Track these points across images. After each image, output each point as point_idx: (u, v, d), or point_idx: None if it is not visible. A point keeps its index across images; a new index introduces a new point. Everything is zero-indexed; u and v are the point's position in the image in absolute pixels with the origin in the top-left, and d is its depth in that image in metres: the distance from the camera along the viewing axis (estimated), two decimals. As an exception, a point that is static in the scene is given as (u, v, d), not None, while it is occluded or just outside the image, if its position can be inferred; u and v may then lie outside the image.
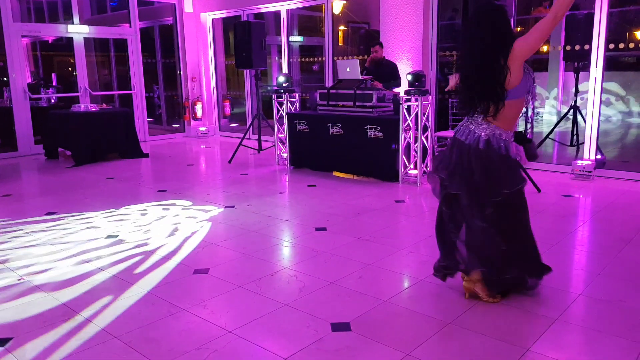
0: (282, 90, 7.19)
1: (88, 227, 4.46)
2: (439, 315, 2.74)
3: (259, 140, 8.14)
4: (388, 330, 2.62)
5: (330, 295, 3.04)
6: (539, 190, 5.40)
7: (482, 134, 2.75)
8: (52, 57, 12.12)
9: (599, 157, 6.23)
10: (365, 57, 8.69)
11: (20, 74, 8.53)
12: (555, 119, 10.17)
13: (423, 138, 5.84)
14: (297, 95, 7.30)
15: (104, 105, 8.67)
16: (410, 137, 5.85)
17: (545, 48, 9.79)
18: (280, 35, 9.42)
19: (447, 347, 2.45)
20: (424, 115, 5.78)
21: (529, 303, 2.87)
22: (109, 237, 4.19)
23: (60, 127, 7.78)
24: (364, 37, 10.32)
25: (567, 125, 8.52)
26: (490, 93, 2.69)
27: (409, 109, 5.78)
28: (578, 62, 7.09)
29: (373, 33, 8.88)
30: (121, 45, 10.24)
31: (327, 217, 4.65)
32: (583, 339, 2.55)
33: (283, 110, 7.18)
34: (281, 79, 7.28)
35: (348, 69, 6.32)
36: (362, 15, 10.41)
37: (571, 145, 7.76)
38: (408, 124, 5.81)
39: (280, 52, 9.63)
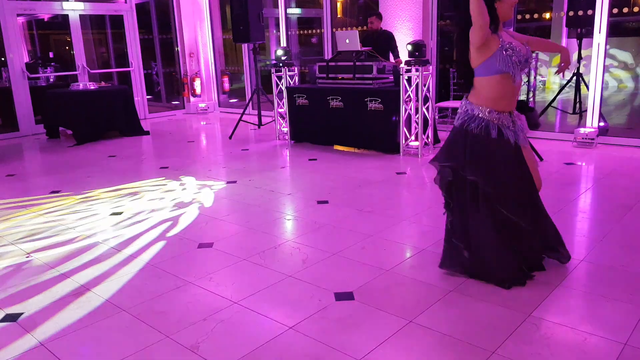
0: (280, 64, 7.12)
1: (92, 205, 4.49)
2: (441, 283, 2.78)
3: (259, 115, 8.10)
4: (391, 298, 2.66)
5: (333, 266, 3.07)
6: (541, 159, 5.39)
7: (460, 110, 2.77)
8: (49, 35, 12.01)
9: (601, 124, 6.20)
10: (365, 27, 8.57)
11: (17, 54, 8.46)
12: (557, 86, 10.07)
13: (424, 109, 5.81)
14: (296, 68, 7.23)
15: (103, 83, 8.63)
16: (411, 109, 5.82)
17: (547, 15, 9.63)
18: (277, 7, 9.27)
19: (449, 314, 2.48)
20: (424, 85, 5.73)
21: (531, 269, 2.90)
22: (113, 214, 4.22)
23: (60, 106, 7.75)
24: (362, 8, 10.16)
25: (570, 92, 8.45)
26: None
27: (409, 80, 5.73)
28: (581, 28, 6.98)
29: (372, 3, 8.74)
30: (117, 21, 10.11)
31: (329, 190, 4.66)
32: (585, 304, 2.58)
33: (282, 85, 7.13)
34: (279, 52, 7.20)
35: (347, 41, 6.25)
36: (361, -15, 10.23)
37: (574, 113, 7.71)
38: (409, 95, 5.77)
39: (278, 25, 9.50)
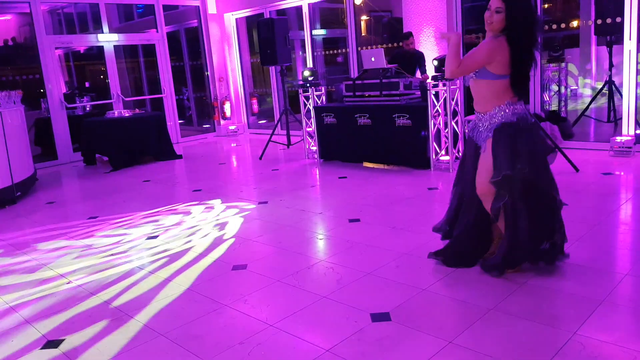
0: (307, 84, 7.21)
1: (128, 229, 4.59)
2: (480, 302, 2.72)
3: (288, 135, 8.18)
4: (429, 318, 2.62)
5: (368, 285, 3.05)
6: (577, 170, 5.25)
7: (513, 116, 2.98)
8: (85, 66, 12.47)
9: (638, 131, 6.02)
10: (390, 45, 8.60)
11: (56, 85, 8.81)
12: (590, 95, 9.84)
13: (453, 123, 5.76)
14: (323, 88, 7.30)
15: (137, 110, 8.88)
16: (440, 123, 5.78)
17: (575, 23, 9.48)
18: (303, 29, 9.42)
19: (490, 334, 2.42)
20: (452, 100, 5.69)
21: (573, 285, 2.81)
22: (149, 238, 4.30)
23: (96, 134, 8.00)
24: (386, 26, 10.22)
25: (603, 101, 8.25)
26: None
27: (437, 95, 5.71)
28: (610, 35, 6.85)
29: (396, 21, 8.79)
30: (149, 50, 10.45)
31: (360, 208, 4.65)
32: (632, 320, 2.48)
33: (310, 104, 7.20)
34: (306, 73, 7.30)
35: (373, 59, 6.28)
36: (384, 4, 10.31)
37: (608, 121, 7.52)
38: (437, 110, 5.74)
39: (304, 46, 9.63)
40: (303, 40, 9.58)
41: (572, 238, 3.45)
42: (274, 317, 2.75)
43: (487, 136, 2.90)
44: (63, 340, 2.70)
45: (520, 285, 2.86)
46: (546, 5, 9.57)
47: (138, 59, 12.48)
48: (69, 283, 3.47)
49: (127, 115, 8.24)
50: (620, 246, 3.43)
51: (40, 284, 3.50)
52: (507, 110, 2.87)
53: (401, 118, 5.93)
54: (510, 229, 2.90)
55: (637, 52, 5.82)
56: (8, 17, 10.62)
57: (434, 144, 5.82)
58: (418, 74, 6.82)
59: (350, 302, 2.84)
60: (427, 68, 6.74)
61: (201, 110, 12.03)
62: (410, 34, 6.89)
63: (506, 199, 2.84)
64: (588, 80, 10.76)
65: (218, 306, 2.94)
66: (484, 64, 2.85)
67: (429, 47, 7.16)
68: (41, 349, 2.64)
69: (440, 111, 5.74)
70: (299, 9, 9.48)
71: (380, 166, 6.36)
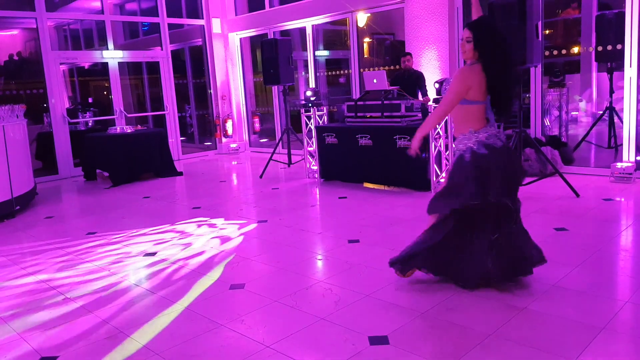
0: (310, 104, 7.26)
1: (127, 246, 4.57)
2: (479, 327, 2.69)
3: (289, 155, 8.21)
4: (427, 342, 2.59)
5: (367, 308, 3.02)
6: (577, 195, 5.25)
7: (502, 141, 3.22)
8: (88, 81, 12.58)
9: (639, 158, 6.03)
10: (392, 67, 8.69)
11: (59, 100, 8.87)
12: (590, 121, 9.89)
13: (454, 146, 5.77)
14: (324, 108, 7.35)
15: (139, 127, 8.91)
16: (440, 145, 5.80)
17: (576, 49, 9.58)
18: (306, 50, 9.53)
19: None
20: (453, 122, 5.72)
21: (573, 312, 2.79)
22: (147, 255, 4.28)
23: (98, 150, 8.03)
24: (389, 48, 10.34)
25: (604, 127, 8.28)
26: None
27: (438, 118, 5.73)
28: (611, 62, 6.92)
29: (398, 44, 8.89)
30: (153, 67, 10.55)
31: (360, 228, 4.63)
32: (633, 347, 2.46)
33: (311, 124, 7.24)
34: (309, 93, 7.36)
35: (375, 80, 6.33)
36: (387, 27, 10.43)
37: (609, 147, 7.54)
38: (438, 132, 5.76)
39: (306, 66, 9.73)
40: (306, 61, 9.69)
41: (573, 264, 3.44)
42: (270, 338, 2.72)
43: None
44: (57, 357, 2.66)
45: (520, 310, 2.83)
46: (547, 32, 9.69)
47: (142, 76, 12.60)
48: (64, 299, 3.44)
49: (129, 131, 8.27)
50: (620, 273, 3.41)
51: (36, 299, 3.47)
52: (470, 139, 3.01)
53: (402, 139, 5.96)
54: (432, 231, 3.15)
55: (638, 79, 5.87)
56: (14, 31, 10.75)
57: (435, 166, 5.83)
58: (419, 96, 6.87)
59: (348, 324, 2.81)
60: (427, 90, 6.80)
61: (203, 127, 12.10)
62: (409, 53, 6.99)
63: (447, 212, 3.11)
64: (583, 104, 10.83)
65: (215, 326, 2.91)
66: (466, 91, 2.93)
67: (431, 70, 7.23)
68: (34, 366, 2.61)
69: (441, 133, 5.76)
70: (302, 30, 9.60)
71: (381, 187, 6.36)
